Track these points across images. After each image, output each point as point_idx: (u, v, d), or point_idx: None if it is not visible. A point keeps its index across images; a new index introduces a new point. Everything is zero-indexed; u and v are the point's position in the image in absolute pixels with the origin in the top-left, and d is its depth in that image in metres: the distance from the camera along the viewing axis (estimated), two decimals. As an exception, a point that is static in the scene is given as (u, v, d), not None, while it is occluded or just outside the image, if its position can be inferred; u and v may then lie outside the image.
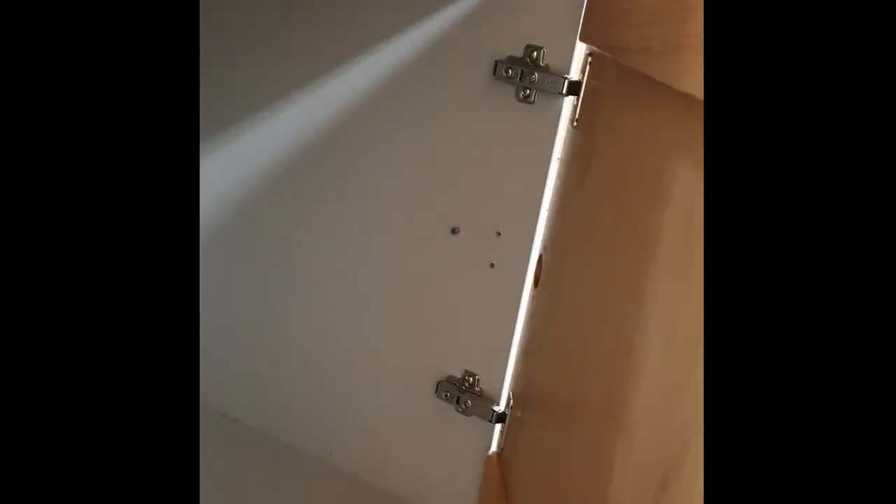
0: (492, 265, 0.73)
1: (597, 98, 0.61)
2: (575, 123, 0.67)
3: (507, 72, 0.66)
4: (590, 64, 0.64)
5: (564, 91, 0.64)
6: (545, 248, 0.71)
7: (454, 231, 0.74)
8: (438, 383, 0.78)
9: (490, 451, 0.78)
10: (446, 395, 0.78)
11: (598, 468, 0.45)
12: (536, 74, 0.65)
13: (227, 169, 0.84)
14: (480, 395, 0.76)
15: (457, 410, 0.77)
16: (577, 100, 0.65)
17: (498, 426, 0.77)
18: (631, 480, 0.40)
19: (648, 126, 0.45)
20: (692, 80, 0.33)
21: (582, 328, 0.55)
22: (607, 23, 0.56)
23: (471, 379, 0.76)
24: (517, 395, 0.74)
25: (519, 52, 0.66)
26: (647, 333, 0.40)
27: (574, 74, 0.65)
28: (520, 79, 0.66)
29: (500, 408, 0.76)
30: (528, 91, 0.66)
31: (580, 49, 0.65)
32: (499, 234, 0.71)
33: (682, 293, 0.35)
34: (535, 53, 0.65)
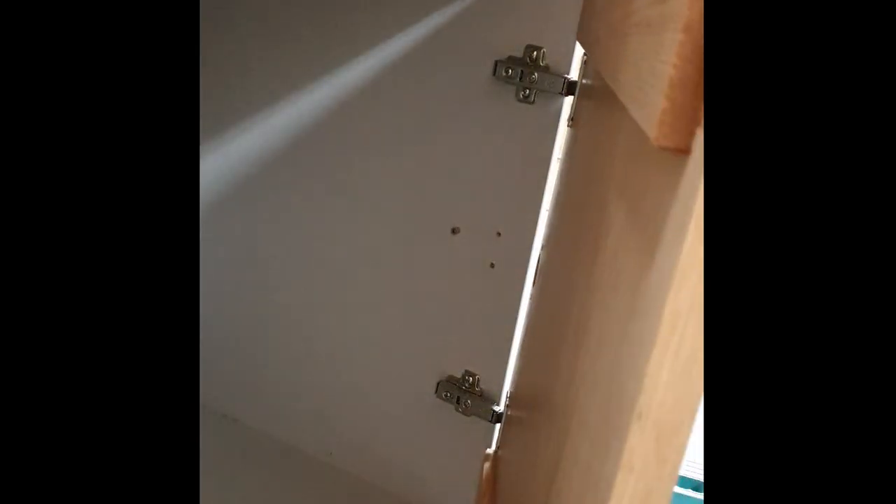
0: (492, 265, 0.73)
1: (585, 98, 0.61)
2: (570, 122, 0.67)
3: (507, 72, 0.66)
4: (584, 63, 0.64)
5: (564, 91, 0.64)
6: (543, 247, 0.71)
7: (454, 231, 0.74)
8: (438, 383, 0.78)
9: (488, 451, 0.78)
10: (446, 395, 0.78)
11: (546, 465, 0.45)
12: (536, 74, 0.65)
13: (227, 169, 0.84)
14: (480, 395, 0.76)
15: (457, 410, 0.77)
16: (574, 99, 0.65)
17: (497, 426, 0.77)
18: (542, 473, 0.41)
19: (604, 126, 0.44)
20: (621, 79, 0.30)
21: (549, 327, 0.55)
22: (585, 18, 0.55)
23: (471, 379, 0.76)
24: (512, 394, 0.74)
25: (519, 52, 0.66)
26: (579, 332, 0.40)
27: (574, 74, 0.65)
28: (520, 79, 0.66)
29: (500, 408, 0.76)
30: (528, 91, 0.66)
31: (579, 49, 0.65)
32: (499, 234, 0.71)
33: (613, 298, 0.33)
34: (535, 53, 0.65)
